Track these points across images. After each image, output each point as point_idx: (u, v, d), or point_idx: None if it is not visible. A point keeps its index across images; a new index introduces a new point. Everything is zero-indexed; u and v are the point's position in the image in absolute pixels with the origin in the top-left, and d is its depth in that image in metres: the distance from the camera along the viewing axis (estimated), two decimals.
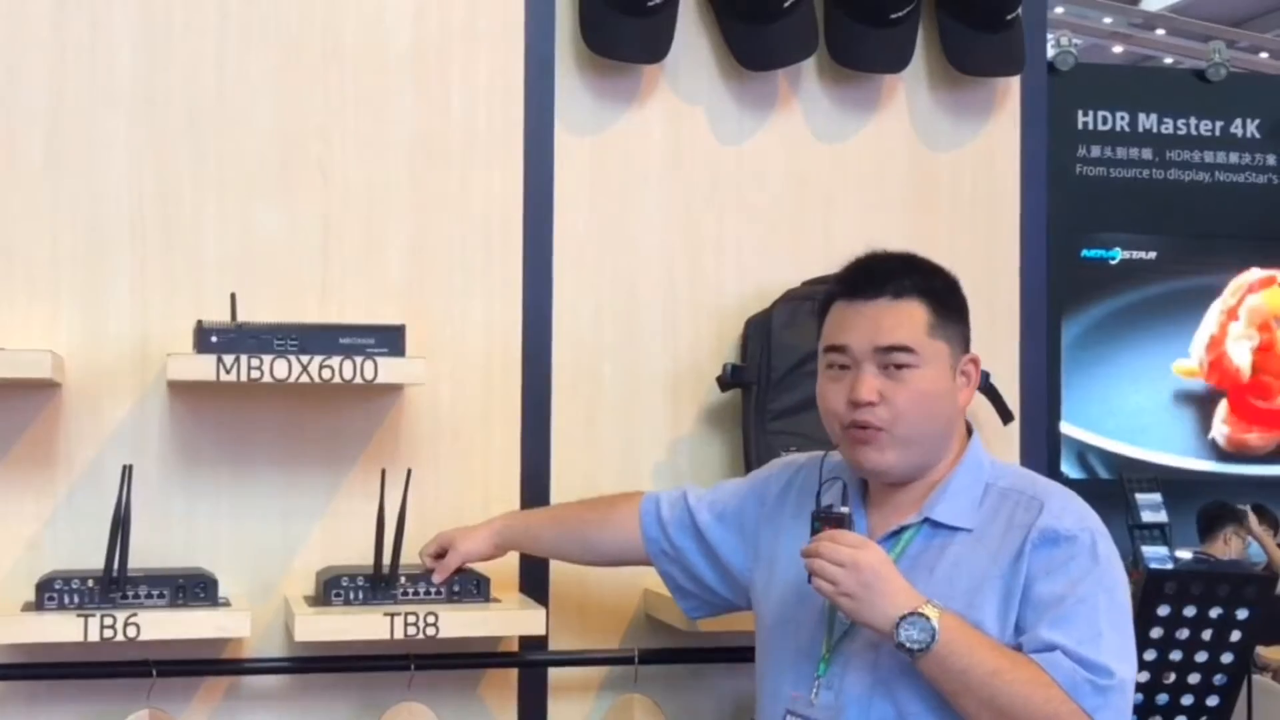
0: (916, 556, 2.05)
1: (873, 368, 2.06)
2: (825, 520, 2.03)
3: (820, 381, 2.13)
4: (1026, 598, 1.97)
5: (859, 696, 2.02)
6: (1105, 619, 1.94)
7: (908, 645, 1.91)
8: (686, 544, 2.39)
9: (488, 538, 2.51)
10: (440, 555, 2.52)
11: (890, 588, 1.95)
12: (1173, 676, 3.68)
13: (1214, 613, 3.64)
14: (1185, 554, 7.00)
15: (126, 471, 2.41)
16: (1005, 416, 2.91)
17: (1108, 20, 13.28)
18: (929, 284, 2.10)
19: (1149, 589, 3.70)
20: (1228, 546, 6.79)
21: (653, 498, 2.46)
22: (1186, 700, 3.70)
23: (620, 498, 2.52)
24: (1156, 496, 7.31)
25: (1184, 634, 3.64)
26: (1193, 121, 8.77)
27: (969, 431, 2.15)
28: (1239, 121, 8.83)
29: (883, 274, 2.11)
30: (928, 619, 1.91)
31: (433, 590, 2.51)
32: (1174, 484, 7.69)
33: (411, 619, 2.44)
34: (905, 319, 2.07)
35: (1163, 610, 3.62)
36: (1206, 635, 3.64)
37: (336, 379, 2.44)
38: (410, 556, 2.54)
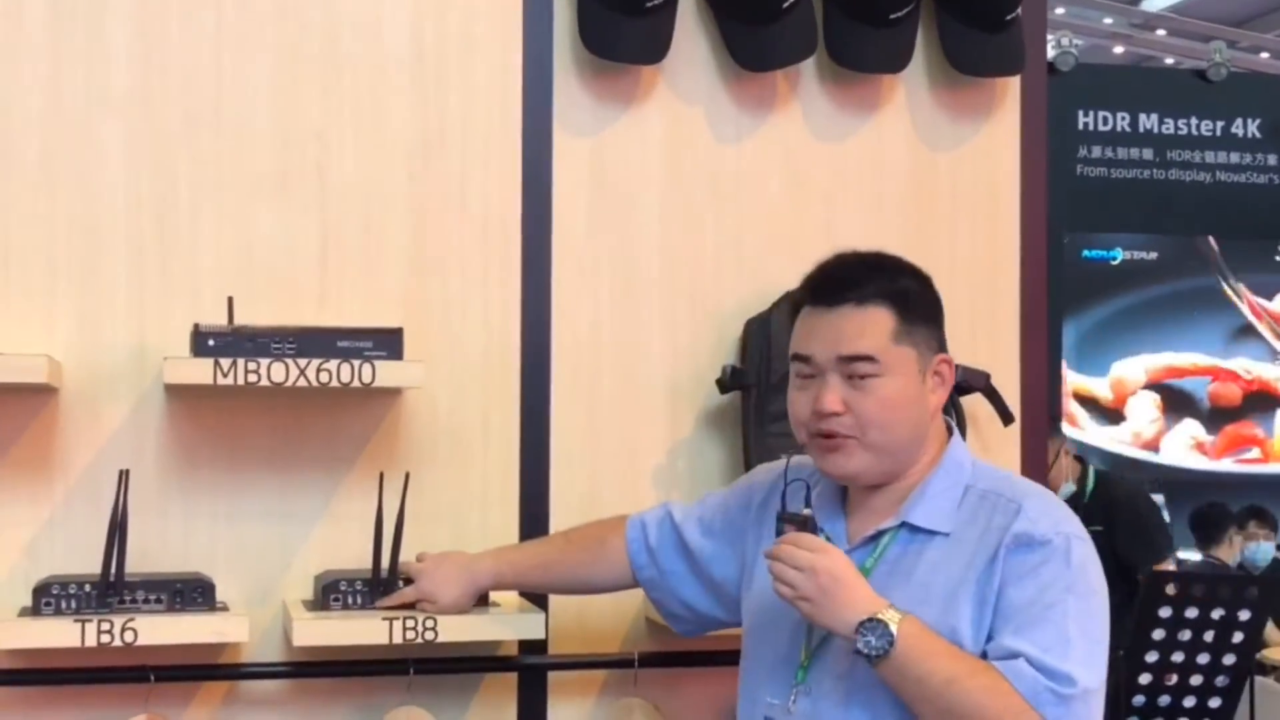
0: (895, 561, 2.03)
1: (837, 377, 2.04)
2: (789, 522, 2.01)
3: (790, 389, 2.12)
4: (999, 603, 1.95)
5: (836, 704, 2.00)
6: (1074, 625, 1.91)
7: (865, 651, 1.90)
8: (675, 566, 2.37)
9: (470, 596, 2.47)
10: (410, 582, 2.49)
11: (850, 593, 1.93)
12: (1175, 678, 3.69)
13: (1216, 614, 3.64)
14: (1193, 556, 6.99)
15: (123, 476, 2.40)
16: (1006, 418, 2.90)
17: (1108, 20, 13.26)
18: (895, 287, 2.06)
19: (1151, 590, 3.70)
20: (1232, 548, 6.78)
21: (637, 523, 2.44)
22: (1189, 702, 3.70)
23: (607, 529, 2.48)
24: (1159, 498, 7.32)
25: (1186, 635, 3.65)
26: (1193, 122, 8.78)
27: (949, 431, 2.13)
28: (1240, 121, 8.84)
29: (847, 280, 2.08)
30: (886, 625, 1.89)
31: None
32: (1174, 485, 7.70)
33: (410, 623, 2.43)
34: (869, 326, 2.04)
35: (1164, 612, 3.63)
36: (1209, 637, 3.64)
37: (334, 382, 2.43)
38: (408, 560, 2.53)
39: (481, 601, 2.53)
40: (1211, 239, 8.69)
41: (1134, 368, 8.67)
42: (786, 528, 2.01)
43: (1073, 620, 1.90)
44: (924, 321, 2.06)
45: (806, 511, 2.02)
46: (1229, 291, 8.78)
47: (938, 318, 2.09)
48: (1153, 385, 8.70)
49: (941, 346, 2.08)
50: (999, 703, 1.86)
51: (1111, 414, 8.65)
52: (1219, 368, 8.76)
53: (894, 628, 1.89)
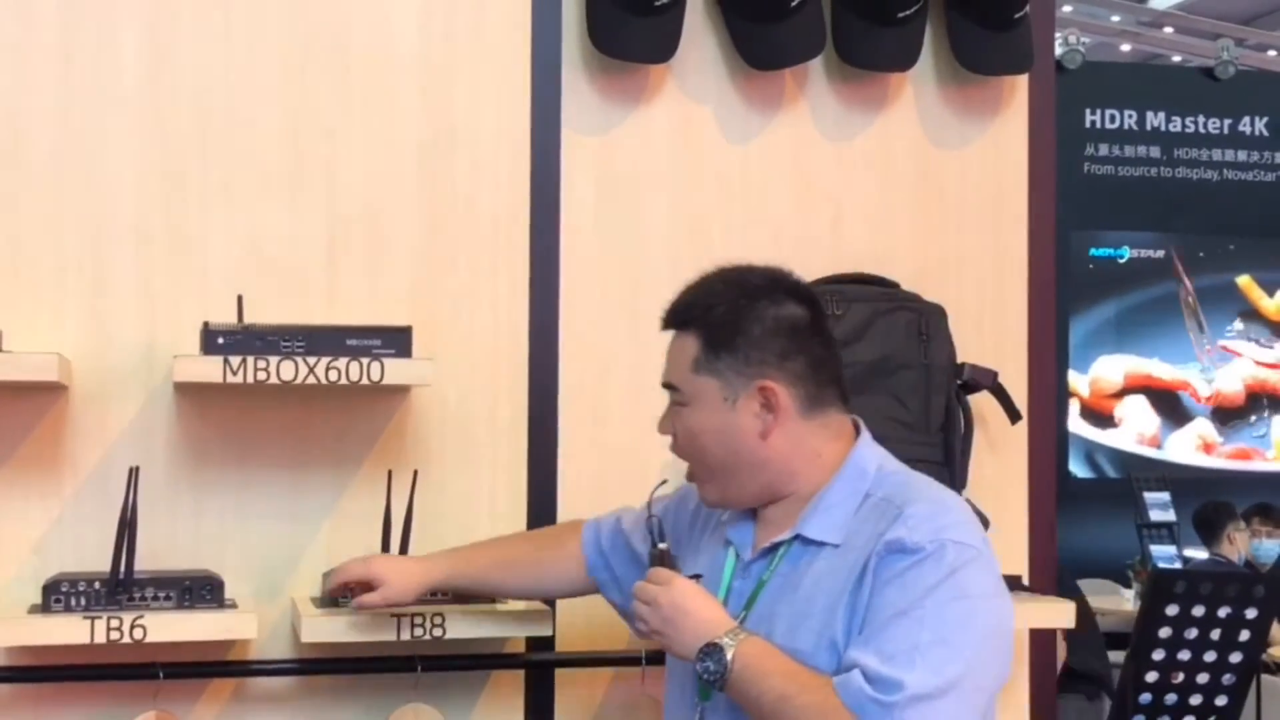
0: (787, 574, 2.00)
1: (669, 403, 2.08)
2: (650, 558, 2.05)
3: None
4: (865, 612, 1.89)
5: None
6: (929, 631, 1.82)
7: (704, 677, 1.90)
8: (628, 572, 2.33)
9: (420, 589, 2.40)
10: (363, 583, 2.41)
11: (691, 621, 1.94)
12: (1181, 676, 3.68)
13: (1222, 612, 3.63)
14: (1200, 555, 6.98)
15: (133, 473, 2.41)
16: (1013, 416, 2.90)
17: (1116, 18, 13.24)
18: (708, 314, 2.03)
19: (1157, 588, 3.70)
20: (1234, 545, 6.78)
21: (593, 526, 2.43)
22: (1195, 700, 3.69)
23: (565, 530, 2.49)
24: (1165, 495, 7.32)
25: (1192, 634, 3.64)
26: (1201, 119, 8.77)
27: (857, 434, 2.07)
28: (1247, 119, 8.83)
29: (678, 306, 2.08)
30: (722, 650, 1.89)
31: (439, 592, 2.50)
32: (1182, 482, 7.69)
33: (418, 620, 2.44)
34: (677, 355, 2.05)
35: (1171, 610, 3.62)
36: (1215, 635, 3.63)
37: (343, 380, 2.43)
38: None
39: (490, 599, 2.52)
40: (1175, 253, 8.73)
41: (1113, 368, 8.67)
42: (650, 563, 2.05)
43: (928, 626, 1.83)
44: (733, 350, 2.00)
45: (662, 546, 2.05)
46: (1184, 296, 8.81)
47: (762, 343, 2.00)
48: (1134, 389, 8.71)
49: (763, 372, 1.99)
50: (823, 718, 1.82)
51: (1097, 415, 8.66)
52: (1188, 383, 8.80)
53: (729, 652, 1.88)
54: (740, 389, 1.99)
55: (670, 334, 2.09)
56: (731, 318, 2.01)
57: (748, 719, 1.93)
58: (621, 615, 2.43)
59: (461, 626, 2.47)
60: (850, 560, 1.93)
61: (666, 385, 2.08)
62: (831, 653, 1.89)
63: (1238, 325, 8.88)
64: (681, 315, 2.07)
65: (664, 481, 2.18)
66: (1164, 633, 3.64)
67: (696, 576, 2.04)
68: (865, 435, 2.07)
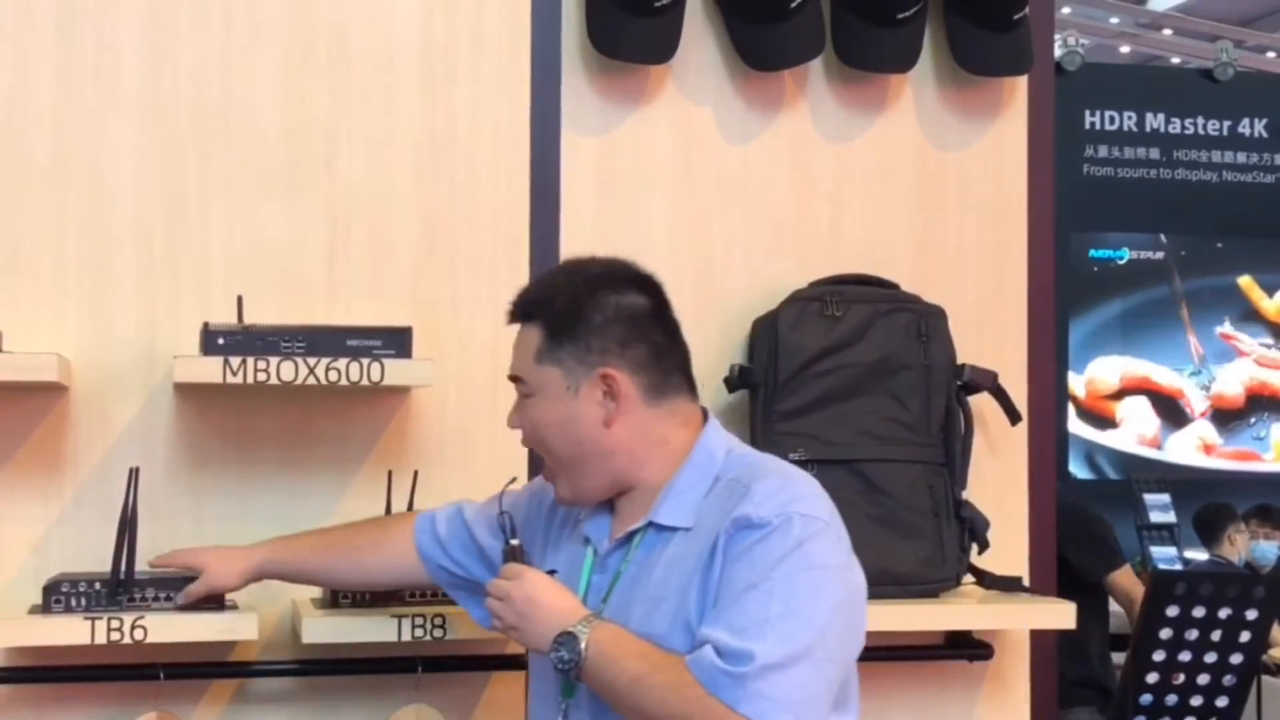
0: (642, 562, 2.01)
1: (518, 395, 2.09)
2: (503, 555, 2.07)
3: None
4: (716, 590, 1.90)
5: (600, 716, 1.98)
6: (778, 602, 1.82)
7: (559, 666, 1.91)
8: (469, 562, 2.34)
9: (243, 573, 2.39)
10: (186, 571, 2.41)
11: (543, 613, 1.96)
12: (1181, 677, 3.68)
13: (1223, 614, 3.63)
14: (1200, 556, 6.98)
15: (133, 474, 2.41)
16: (1013, 417, 2.90)
17: (1115, 20, 13.26)
18: (549, 305, 2.04)
19: (1158, 590, 3.70)
20: (1234, 547, 6.77)
21: (427, 516, 2.41)
22: (1195, 701, 3.69)
23: (393, 518, 2.48)
24: (1165, 497, 7.31)
25: (1193, 635, 3.64)
26: (1200, 121, 8.77)
27: (705, 419, 2.08)
28: (1246, 121, 8.83)
29: (520, 297, 2.10)
30: (575, 637, 1.90)
31: (440, 591, 2.51)
32: (1182, 484, 7.69)
33: (419, 621, 2.44)
34: (521, 347, 2.06)
35: (1172, 611, 3.62)
36: (1216, 636, 3.63)
37: (343, 381, 2.44)
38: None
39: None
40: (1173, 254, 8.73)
41: (1109, 369, 8.66)
42: (504, 560, 2.06)
43: (777, 597, 1.83)
44: (575, 339, 2.01)
45: (514, 542, 2.06)
46: (1181, 299, 8.81)
47: (602, 332, 2.01)
48: (1130, 390, 8.70)
49: (604, 360, 2.01)
50: (677, 695, 1.82)
51: (1095, 416, 8.65)
52: (1183, 392, 8.79)
53: (582, 640, 1.89)
54: (582, 377, 2.01)
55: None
56: (572, 307, 2.03)
57: (611, 715, 1.94)
58: (461, 602, 2.40)
59: (463, 627, 2.47)
60: (701, 541, 1.94)
61: (512, 378, 2.08)
62: (686, 634, 1.90)
63: (1226, 325, 8.88)
64: (524, 307, 2.08)
65: (514, 479, 2.21)
66: (1164, 634, 3.64)
67: (552, 572, 2.05)
68: (713, 422, 2.09)
